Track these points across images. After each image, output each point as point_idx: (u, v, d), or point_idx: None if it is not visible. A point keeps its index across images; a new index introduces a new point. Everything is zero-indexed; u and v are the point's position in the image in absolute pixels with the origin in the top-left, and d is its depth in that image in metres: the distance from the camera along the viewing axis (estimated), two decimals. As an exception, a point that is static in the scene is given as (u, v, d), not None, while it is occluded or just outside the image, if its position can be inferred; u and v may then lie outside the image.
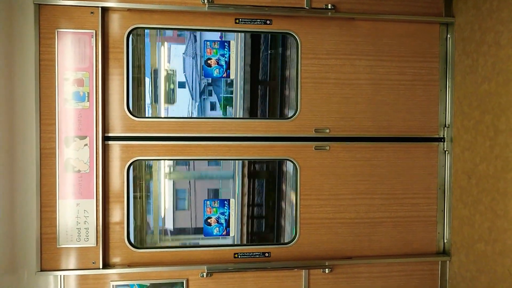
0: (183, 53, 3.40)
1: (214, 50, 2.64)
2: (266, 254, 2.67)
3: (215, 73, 2.65)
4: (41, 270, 2.42)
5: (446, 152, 2.78)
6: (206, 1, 2.47)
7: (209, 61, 2.64)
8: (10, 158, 2.36)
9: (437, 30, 2.77)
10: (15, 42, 2.36)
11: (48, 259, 2.43)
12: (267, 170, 3.63)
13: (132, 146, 2.53)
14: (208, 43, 2.64)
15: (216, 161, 4.10)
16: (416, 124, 2.77)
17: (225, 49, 2.64)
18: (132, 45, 2.54)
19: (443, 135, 2.79)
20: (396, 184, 2.77)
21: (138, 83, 3.02)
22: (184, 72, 3.41)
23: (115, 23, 2.48)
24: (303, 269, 2.67)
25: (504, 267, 2.27)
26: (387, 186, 2.76)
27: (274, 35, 3.18)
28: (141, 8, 2.46)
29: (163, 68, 3.34)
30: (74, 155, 2.42)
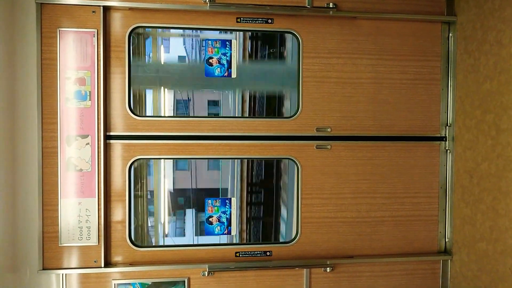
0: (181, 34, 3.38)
1: (216, 49, 2.64)
2: (268, 253, 2.68)
3: (217, 72, 2.65)
4: (43, 269, 2.43)
5: (448, 151, 2.78)
6: (207, 0, 2.47)
7: (210, 60, 2.64)
8: (12, 157, 2.37)
9: (439, 29, 2.77)
10: (17, 41, 2.37)
11: (50, 257, 2.44)
12: (268, 169, 3.63)
13: (133, 145, 2.53)
14: (209, 42, 2.64)
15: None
16: (417, 123, 2.76)
17: (227, 48, 2.64)
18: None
19: (445, 134, 2.78)
20: (397, 183, 2.77)
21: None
22: (184, 44, 3.39)
23: (117, 22, 2.49)
24: (304, 268, 2.67)
25: (506, 266, 2.27)
26: (388, 185, 2.76)
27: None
28: (142, 7, 2.46)
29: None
30: (76, 154, 2.42)
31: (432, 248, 2.82)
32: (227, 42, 2.65)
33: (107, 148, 2.49)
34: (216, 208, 2.71)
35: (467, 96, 2.61)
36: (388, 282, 2.77)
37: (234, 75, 2.67)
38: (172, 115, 3.18)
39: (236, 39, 2.73)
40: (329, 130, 2.68)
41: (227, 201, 2.73)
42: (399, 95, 2.74)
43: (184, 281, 2.57)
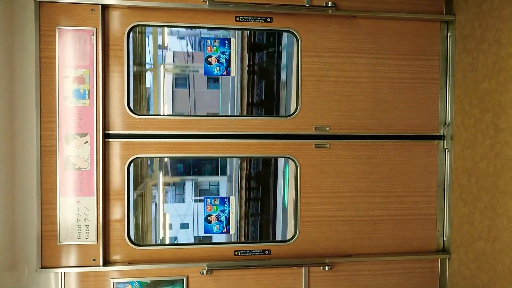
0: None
1: (215, 47, 2.64)
2: (266, 252, 2.68)
3: (216, 71, 2.65)
4: (42, 267, 2.43)
5: (446, 150, 2.79)
6: (206, -2, 2.47)
7: (209, 59, 2.64)
8: (10, 156, 2.37)
9: (437, 28, 2.77)
10: (16, 40, 2.37)
11: (49, 256, 2.44)
12: (267, 167, 3.63)
13: (132, 143, 2.53)
14: (208, 40, 2.64)
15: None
16: (416, 122, 2.77)
17: (226, 47, 2.64)
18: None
19: (443, 133, 2.79)
20: (396, 182, 2.77)
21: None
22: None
23: (116, 21, 2.48)
24: (303, 267, 2.67)
25: (504, 265, 2.27)
26: (387, 184, 2.76)
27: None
28: (141, 6, 2.46)
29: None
30: (74, 152, 2.42)
31: (430, 247, 2.83)
32: (226, 41, 2.65)
33: (105, 147, 2.49)
34: (215, 207, 2.71)
35: (465, 95, 2.61)
36: (386, 280, 2.78)
37: (233, 73, 2.67)
38: (171, 113, 3.18)
39: (235, 37, 2.73)
40: (328, 129, 2.68)
41: (225, 200, 2.73)
42: (398, 94, 2.74)
43: (183, 279, 2.57)
